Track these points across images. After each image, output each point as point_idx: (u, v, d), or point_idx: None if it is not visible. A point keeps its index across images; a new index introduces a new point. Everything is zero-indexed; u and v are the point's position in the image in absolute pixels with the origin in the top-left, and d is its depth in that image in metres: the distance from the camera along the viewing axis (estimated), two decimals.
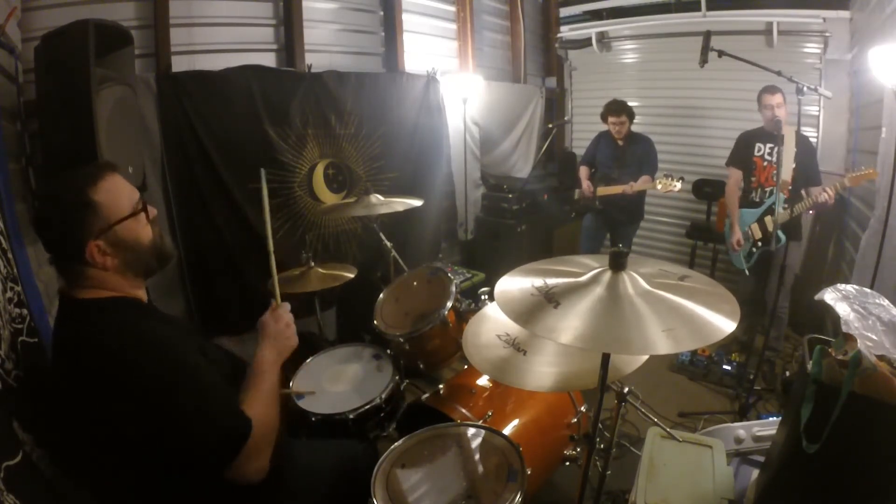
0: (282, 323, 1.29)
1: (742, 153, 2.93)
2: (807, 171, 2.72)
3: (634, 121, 3.36)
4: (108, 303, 1.06)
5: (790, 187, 2.69)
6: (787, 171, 2.69)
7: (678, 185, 3.10)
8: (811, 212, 2.86)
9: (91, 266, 1.05)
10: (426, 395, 1.88)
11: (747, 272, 2.95)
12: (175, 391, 1.00)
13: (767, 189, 2.84)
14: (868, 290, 1.04)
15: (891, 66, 1.98)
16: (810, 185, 2.72)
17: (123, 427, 0.99)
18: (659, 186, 3.12)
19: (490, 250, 3.98)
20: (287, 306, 1.35)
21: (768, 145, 2.81)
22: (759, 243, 2.86)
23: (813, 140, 3.28)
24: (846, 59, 3.27)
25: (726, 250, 3.16)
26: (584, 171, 3.56)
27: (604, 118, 3.38)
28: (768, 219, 2.80)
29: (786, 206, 2.68)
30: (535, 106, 4.60)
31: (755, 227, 2.87)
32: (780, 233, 2.56)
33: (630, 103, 3.35)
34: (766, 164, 2.84)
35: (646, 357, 1.26)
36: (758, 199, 2.89)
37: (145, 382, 0.98)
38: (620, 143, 3.37)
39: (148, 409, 0.98)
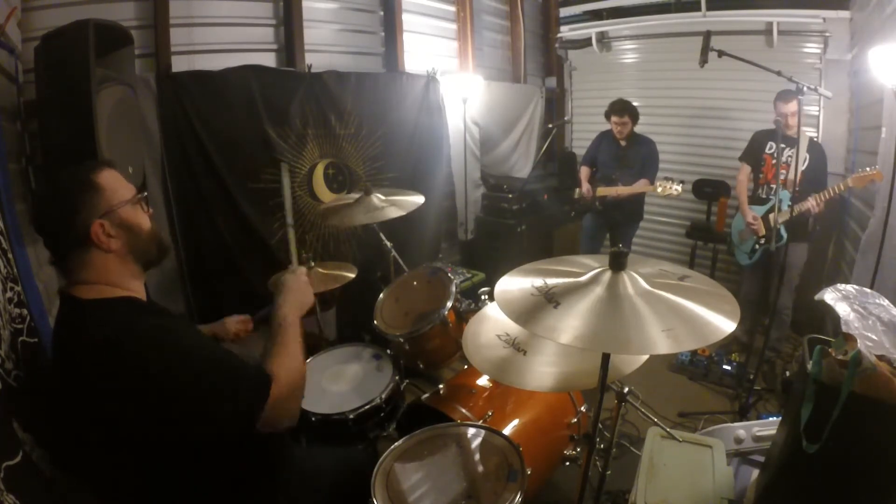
0: (301, 281, 1.35)
1: (754, 150, 3.00)
2: (815, 176, 2.75)
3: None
4: (107, 303, 1.05)
5: (797, 188, 2.70)
6: (794, 172, 2.70)
7: (678, 189, 3.10)
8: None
9: (95, 248, 1.04)
10: (426, 395, 1.88)
11: (748, 264, 2.96)
12: (186, 376, 0.99)
13: (773, 186, 2.84)
14: (868, 290, 1.04)
15: (891, 66, 1.98)
16: (815, 191, 2.73)
17: (132, 423, 0.98)
18: (659, 189, 3.11)
19: (490, 250, 3.98)
20: (303, 269, 1.43)
21: (780, 145, 2.81)
22: (763, 240, 2.88)
23: None
24: (846, 59, 3.27)
25: (727, 249, 3.16)
26: (584, 172, 3.55)
27: (607, 117, 3.37)
28: (773, 216, 2.81)
29: (790, 204, 2.69)
30: (535, 106, 4.59)
31: (759, 222, 2.89)
32: (782, 230, 2.56)
33: None
34: (774, 162, 2.85)
35: (646, 357, 1.26)
36: (764, 196, 2.93)
37: (154, 375, 0.96)
38: (623, 143, 3.36)
39: (160, 400, 0.97)
